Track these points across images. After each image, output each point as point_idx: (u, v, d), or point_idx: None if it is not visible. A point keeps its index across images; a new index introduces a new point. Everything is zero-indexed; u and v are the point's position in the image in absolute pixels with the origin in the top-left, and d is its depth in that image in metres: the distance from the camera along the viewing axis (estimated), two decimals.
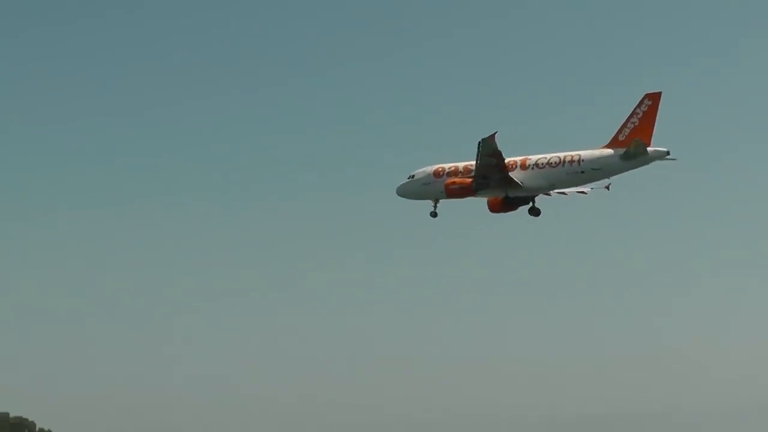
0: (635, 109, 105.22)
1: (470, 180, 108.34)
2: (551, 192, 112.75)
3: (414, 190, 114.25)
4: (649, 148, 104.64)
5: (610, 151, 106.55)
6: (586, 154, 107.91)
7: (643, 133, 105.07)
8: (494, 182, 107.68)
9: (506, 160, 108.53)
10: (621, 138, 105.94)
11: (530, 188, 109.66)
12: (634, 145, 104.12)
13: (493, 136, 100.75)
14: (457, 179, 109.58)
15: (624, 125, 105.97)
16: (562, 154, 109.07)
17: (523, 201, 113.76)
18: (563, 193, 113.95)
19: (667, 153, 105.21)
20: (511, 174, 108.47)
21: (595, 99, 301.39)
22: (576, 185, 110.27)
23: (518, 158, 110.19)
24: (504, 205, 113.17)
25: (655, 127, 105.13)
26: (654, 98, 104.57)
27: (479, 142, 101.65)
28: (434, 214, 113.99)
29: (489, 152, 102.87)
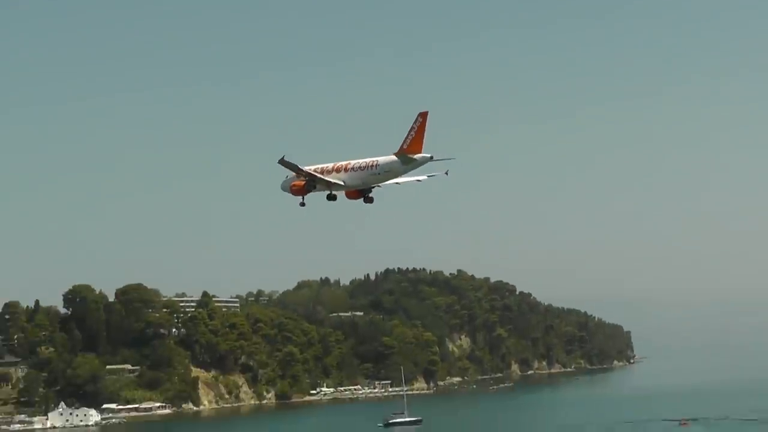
0: (412, 124, 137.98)
1: (303, 183, 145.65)
2: (380, 184, 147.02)
3: (286, 187, 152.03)
4: (417, 155, 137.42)
5: (395, 157, 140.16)
6: (381, 160, 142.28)
7: (416, 142, 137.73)
8: (319, 184, 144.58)
9: (335, 165, 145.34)
10: (405, 147, 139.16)
11: (351, 185, 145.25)
12: (399, 156, 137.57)
13: (282, 158, 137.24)
14: (296, 182, 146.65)
15: (406, 137, 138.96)
16: (368, 160, 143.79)
17: (367, 191, 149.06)
18: (397, 183, 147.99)
19: (431, 158, 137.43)
20: (336, 175, 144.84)
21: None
22: (378, 183, 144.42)
23: (343, 162, 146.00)
24: (351, 194, 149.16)
25: (425, 137, 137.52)
26: (423, 116, 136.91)
27: (278, 162, 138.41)
28: (302, 204, 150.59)
29: (291, 168, 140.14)
